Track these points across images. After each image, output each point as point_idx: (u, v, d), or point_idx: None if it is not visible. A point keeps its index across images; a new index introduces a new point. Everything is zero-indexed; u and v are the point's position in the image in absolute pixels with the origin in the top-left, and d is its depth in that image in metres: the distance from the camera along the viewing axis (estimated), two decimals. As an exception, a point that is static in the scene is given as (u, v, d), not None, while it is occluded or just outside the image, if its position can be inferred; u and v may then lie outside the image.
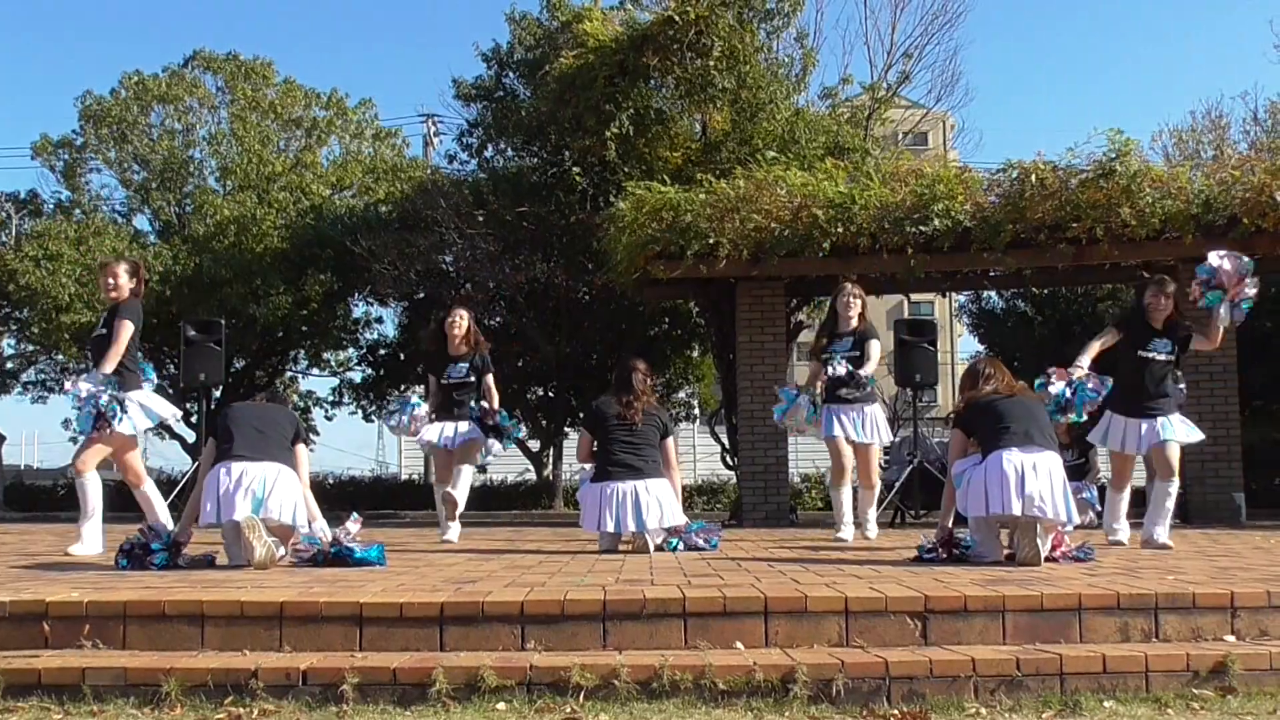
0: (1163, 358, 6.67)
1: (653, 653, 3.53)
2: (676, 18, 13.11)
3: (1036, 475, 5.19)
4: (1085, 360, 6.52)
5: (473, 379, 7.65)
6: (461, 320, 7.70)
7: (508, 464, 22.50)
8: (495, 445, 7.68)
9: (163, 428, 17.48)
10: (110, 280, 6.50)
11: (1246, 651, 3.54)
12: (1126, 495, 6.94)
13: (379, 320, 20.63)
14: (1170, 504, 6.54)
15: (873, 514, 7.66)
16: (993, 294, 17.07)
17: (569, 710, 3.24)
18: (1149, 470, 6.94)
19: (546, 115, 14.71)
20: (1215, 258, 6.50)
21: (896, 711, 3.27)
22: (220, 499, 5.26)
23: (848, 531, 7.26)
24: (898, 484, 11.77)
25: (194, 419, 17.67)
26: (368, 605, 3.65)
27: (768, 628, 3.66)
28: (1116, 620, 3.73)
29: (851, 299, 7.44)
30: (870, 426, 7.35)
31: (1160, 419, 6.60)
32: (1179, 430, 6.61)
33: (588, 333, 16.85)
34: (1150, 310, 6.69)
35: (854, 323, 7.44)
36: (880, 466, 12.85)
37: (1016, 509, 5.14)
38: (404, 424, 7.64)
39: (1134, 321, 6.80)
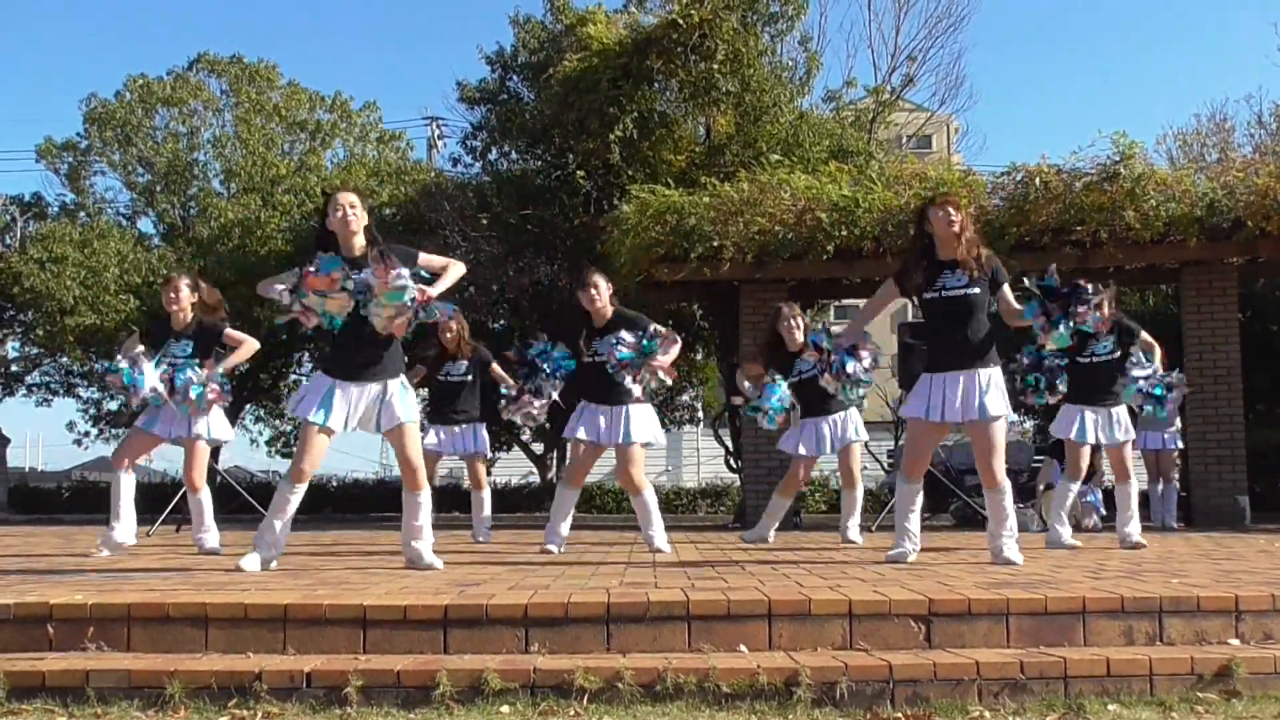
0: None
1: (656, 655, 3.53)
2: (680, 21, 13.12)
3: None
4: None
5: (471, 378, 8.05)
6: (453, 328, 7.98)
7: (511, 467, 22.57)
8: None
9: None
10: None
11: (1251, 655, 3.54)
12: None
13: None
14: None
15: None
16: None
17: (572, 713, 3.24)
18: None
19: (550, 118, 14.72)
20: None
21: (900, 714, 3.27)
22: None
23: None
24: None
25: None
26: (372, 608, 3.66)
27: (771, 631, 3.66)
28: (1120, 623, 3.73)
29: (793, 321, 7.58)
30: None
31: None
32: None
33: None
34: None
35: (801, 339, 7.54)
36: (884, 470, 12.85)
37: None
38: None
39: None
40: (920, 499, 5.76)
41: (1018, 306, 5.60)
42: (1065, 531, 7.09)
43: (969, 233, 5.54)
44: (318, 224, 5.40)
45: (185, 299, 6.71)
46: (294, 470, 5.17)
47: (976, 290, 5.47)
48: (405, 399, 5.24)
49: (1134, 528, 7.01)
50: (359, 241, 5.18)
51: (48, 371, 21.60)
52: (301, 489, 5.19)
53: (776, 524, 7.96)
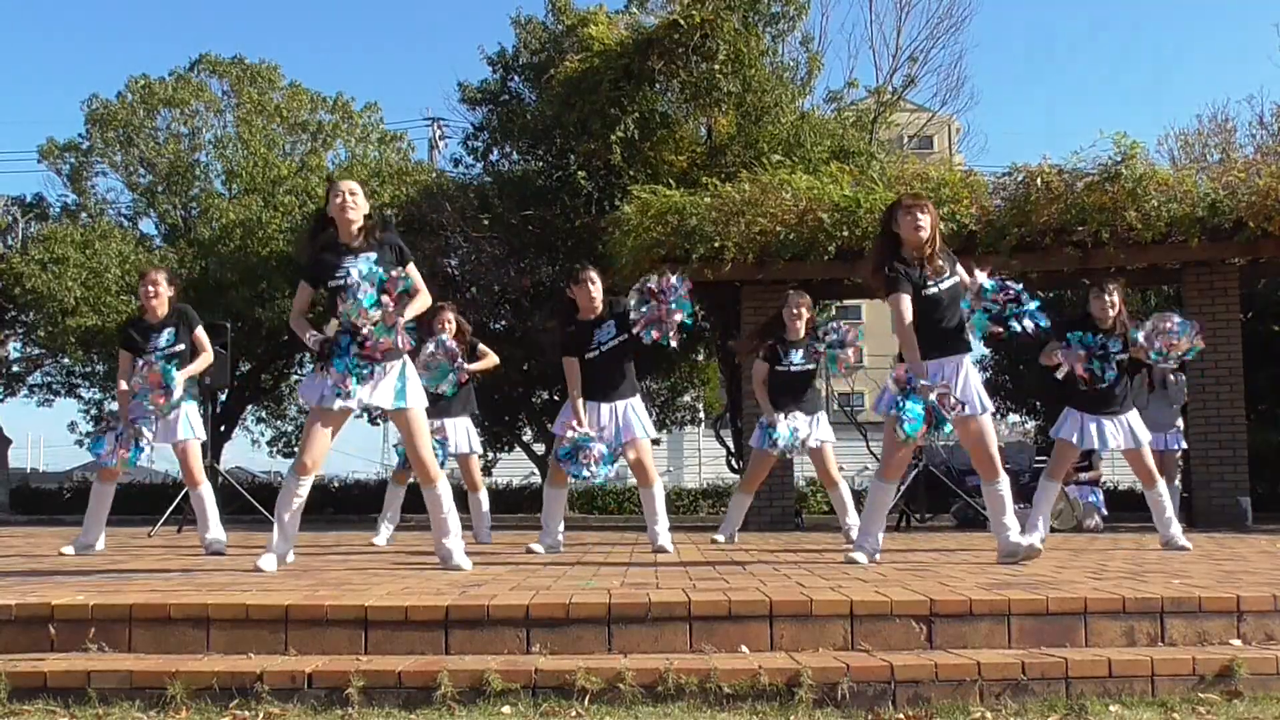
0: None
1: (658, 656, 3.53)
2: (682, 21, 13.13)
3: None
4: None
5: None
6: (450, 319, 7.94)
7: (512, 467, 22.54)
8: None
9: None
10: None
11: (1252, 656, 3.54)
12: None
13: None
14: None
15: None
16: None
17: (574, 714, 3.24)
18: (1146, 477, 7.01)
19: (552, 119, 14.72)
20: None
21: (901, 715, 3.27)
22: None
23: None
24: (902, 487, 11.75)
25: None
26: (373, 608, 3.66)
27: (773, 631, 3.66)
28: (1122, 624, 3.73)
29: (796, 310, 7.62)
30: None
31: None
32: None
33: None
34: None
35: (802, 332, 7.63)
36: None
37: None
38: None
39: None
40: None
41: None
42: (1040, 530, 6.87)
43: (935, 234, 5.48)
44: (320, 210, 5.55)
45: (164, 292, 6.85)
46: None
47: (955, 280, 5.49)
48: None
49: (1175, 530, 6.85)
50: (355, 230, 5.32)
51: (49, 372, 21.57)
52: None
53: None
